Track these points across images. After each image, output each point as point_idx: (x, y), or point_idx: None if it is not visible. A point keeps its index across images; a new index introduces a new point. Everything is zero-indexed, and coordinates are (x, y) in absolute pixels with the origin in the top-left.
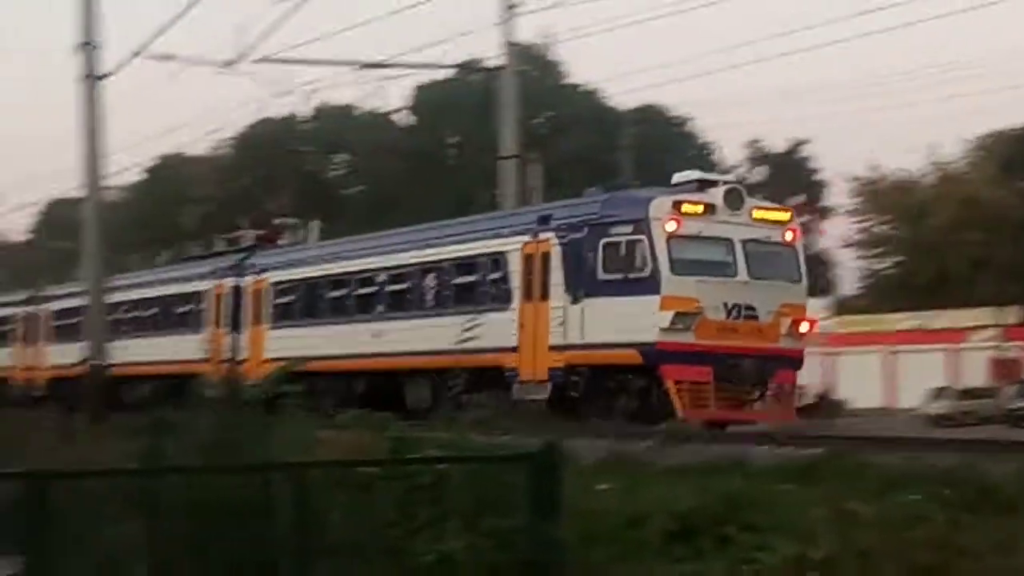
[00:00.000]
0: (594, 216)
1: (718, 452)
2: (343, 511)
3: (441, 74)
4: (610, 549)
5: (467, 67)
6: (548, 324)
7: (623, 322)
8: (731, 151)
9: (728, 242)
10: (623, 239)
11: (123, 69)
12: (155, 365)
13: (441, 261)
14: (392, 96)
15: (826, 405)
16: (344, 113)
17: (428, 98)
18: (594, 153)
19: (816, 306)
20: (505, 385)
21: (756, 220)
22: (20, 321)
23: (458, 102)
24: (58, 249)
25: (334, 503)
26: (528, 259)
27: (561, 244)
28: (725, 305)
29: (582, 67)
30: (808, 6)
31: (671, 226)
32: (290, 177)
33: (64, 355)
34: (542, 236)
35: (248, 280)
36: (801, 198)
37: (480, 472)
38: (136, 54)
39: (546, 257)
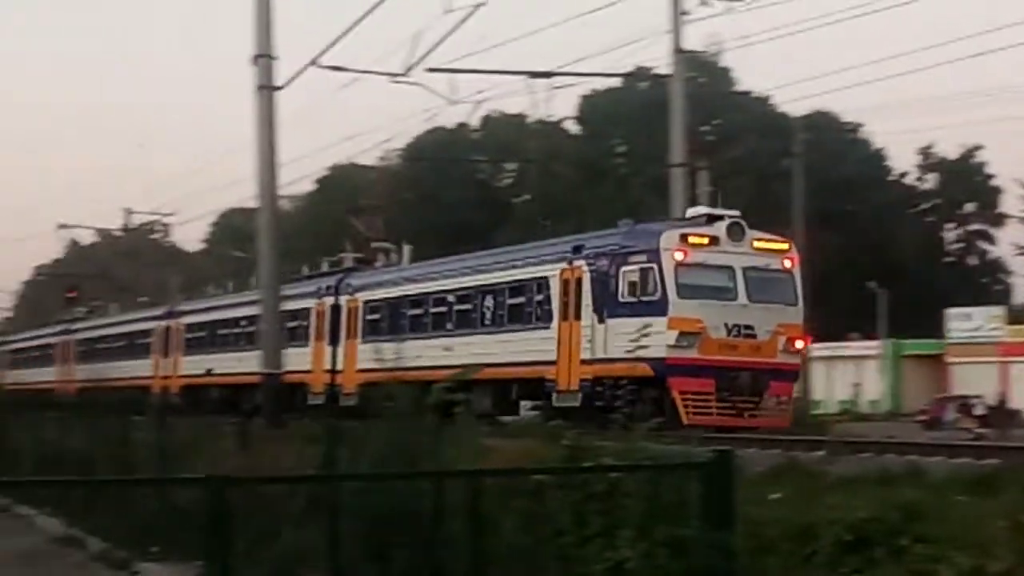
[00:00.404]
0: (616, 246)
1: (891, 462)
2: (516, 519)
3: (608, 82)
4: (782, 559)
5: (636, 75)
6: (580, 341)
7: (637, 339)
8: (903, 157)
9: (730, 269)
10: (638, 267)
11: (296, 80)
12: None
13: (497, 284)
14: (558, 105)
15: (1002, 414)
16: (514, 122)
17: (595, 107)
18: (763, 160)
19: (990, 315)
20: (547, 394)
21: (756, 250)
22: (159, 334)
23: (625, 110)
24: (232, 258)
25: (507, 510)
26: (565, 284)
27: (590, 271)
28: (726, 325)
29: (751, 74)
30: (979, 11)
31: (678, 256)
32: (444, 192)
33: (195, 366)
34: (575, 263)
35: (344, 299)
36: (973, 205)
37: (653, 480)
38: (310, 64)
39: (579, 282)
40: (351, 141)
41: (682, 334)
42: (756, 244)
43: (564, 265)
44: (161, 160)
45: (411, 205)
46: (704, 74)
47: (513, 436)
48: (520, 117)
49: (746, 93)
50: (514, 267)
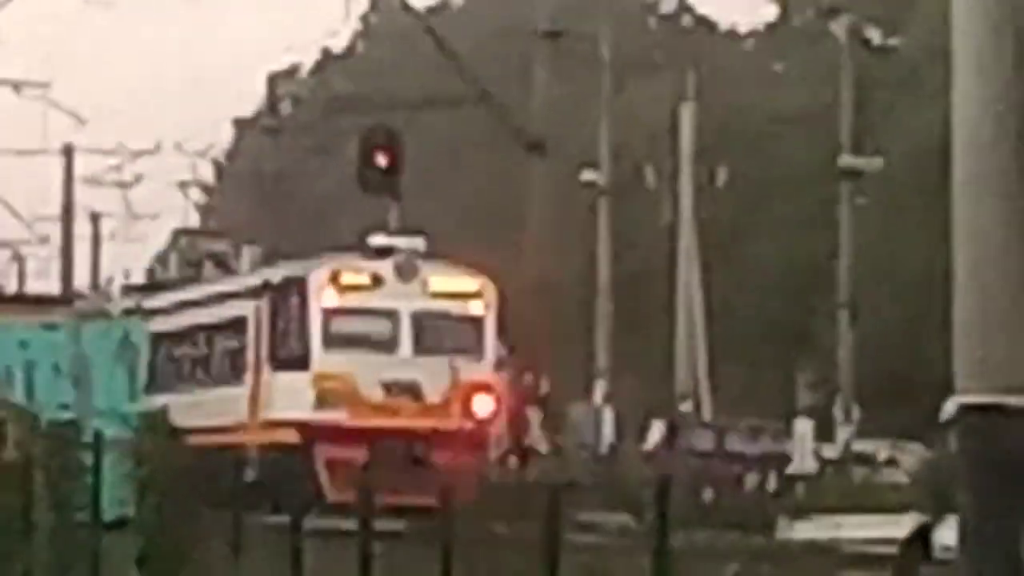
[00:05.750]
0: (288, 281)
1: None
2: None
3: None
4: None
5: None
6: (262, 397)
7: (287, 399)
8: None
9: (393, 315)
10: (292, 309)
11: None
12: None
13: (213, 323)
14: None
15: None
16: None
17: None
18: None
19: None
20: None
21: (433, 293)
22: (257, 326)
23: None
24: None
25: None
26: (258, 325)
27: (271, 311)
28: (383, 383)
29: None
30: None
31: (327, 298)
32: None
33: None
34: (262, 300)
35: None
36: None
37: None
38: None
39: (259, 325)
40: None
41: (324, 392)
42: (434, 285)
43: (257, 302)
44: None
45: None
46: None
47: None
48: None
49: None
50: (225, 300)
